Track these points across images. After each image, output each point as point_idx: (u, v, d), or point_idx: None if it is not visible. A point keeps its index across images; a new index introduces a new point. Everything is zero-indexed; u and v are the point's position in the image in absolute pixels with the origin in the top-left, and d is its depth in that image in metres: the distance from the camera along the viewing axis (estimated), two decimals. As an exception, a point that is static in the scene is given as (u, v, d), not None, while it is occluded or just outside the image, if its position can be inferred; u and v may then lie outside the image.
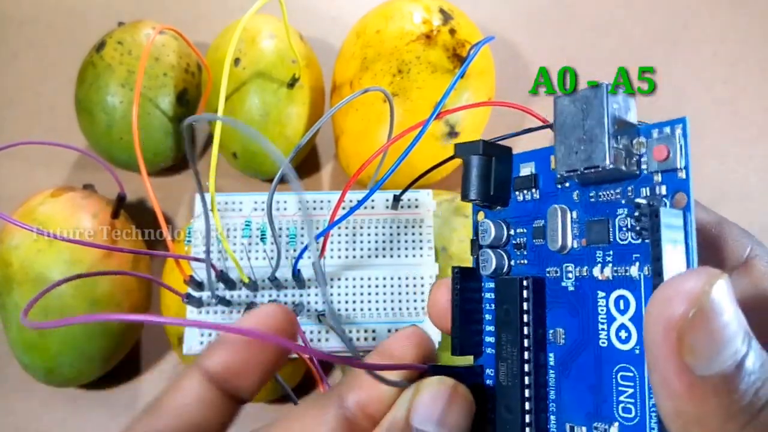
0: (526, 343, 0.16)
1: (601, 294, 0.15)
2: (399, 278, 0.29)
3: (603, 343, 0.15)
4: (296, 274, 0.27)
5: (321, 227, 0.29)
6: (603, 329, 0.15)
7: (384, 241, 0.29)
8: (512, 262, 0.18)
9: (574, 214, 0.16)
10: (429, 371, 0.17)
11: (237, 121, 0.23)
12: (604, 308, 0.15)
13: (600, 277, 0.15)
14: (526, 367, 0.16)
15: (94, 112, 0.37)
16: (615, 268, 0.15)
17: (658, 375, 0.12)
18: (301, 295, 0.28)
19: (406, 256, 0.29)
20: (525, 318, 0.16)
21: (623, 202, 0.15)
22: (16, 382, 0.37)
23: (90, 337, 0.33)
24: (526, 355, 0.16)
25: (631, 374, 0.14)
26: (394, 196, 0.29)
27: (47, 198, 0.34)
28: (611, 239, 0.15)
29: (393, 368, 0.16)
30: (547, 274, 0.17)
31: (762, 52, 0.44)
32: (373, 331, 0.28)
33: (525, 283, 0.16)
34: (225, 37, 0.38)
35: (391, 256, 0.29)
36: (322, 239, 0.26)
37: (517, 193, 0.18)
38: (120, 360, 0.36)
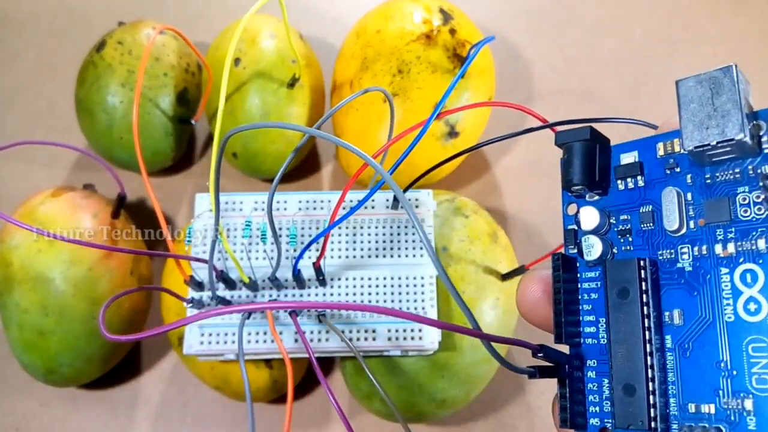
0: (647, 323, 0.16)
1: (724, 270, 0.16)
2: (399, 278, 0.29)
3: (729, 317, 0.15)
4: (296, 274, 0.27)
5: (321, 227, 0.29)
6: (728, 304, 0.15)
7: (384, 241, 0.29)
8: (615, 249, 0.18)
9: (689, 196, 0.17)
10: (539, 351, 0.17)
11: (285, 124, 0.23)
12: (728, 284, 0.16)
13: (722, 254, 0.16)
14: (649, 348, 0.16)
15: (95, 111, 0.37)
16: (739, 243, 0.16)
17: None
18: (301, 295, 0.28)
19: (406, 256, 0.29)
20: (645, 298, 0.16)
21: (744, 179, 0.16)
22: (16, 382, 0.37)
23: (90, 337, 0.33)
24: (648, 335, 0.16)
25: (764, 344, 0.15)
26: (395, 196, 0.29)
27: (47, 198, 0.34)
28: (732, 217, 0.16)
29: (506, 342, 0.17)
30: (660, 257, 0.17)
31: (762, 52, 0.44)
32: (374, 331, 0.28)
33: (642, 263, 0.17)
34: (225, 37, 0.38)
35: (391, 256, 0.29)
36: (322, 239, 0.26)
37: (618, 181, 0.18)
38: (120, 360, 0.36)
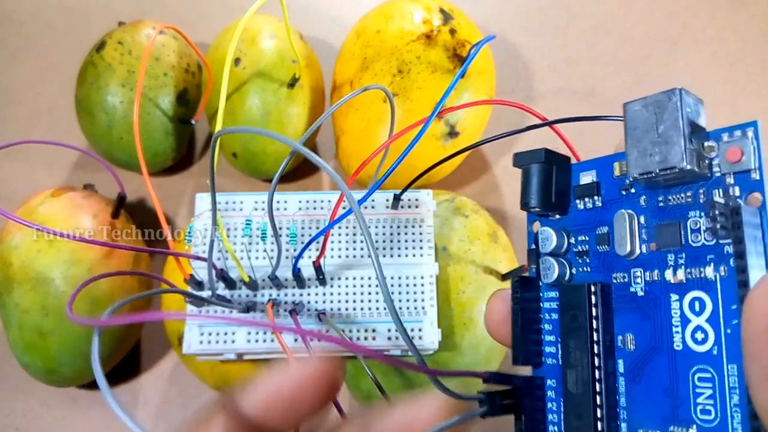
0: (596, 349, 0.16)
1: (674, 297, 0.15)
2: (399, 278, 0.29)
3: (677, 346, 0.15)
4: (296, 273, 0.27)
5: (321, 227, 0.29)
6: (677, 332, 0.15)
7: (384, 241, 0.29)
8: (574, 270, 0.18)
9: (642, 219, 0.16)
10: (489, 379, 0.17)
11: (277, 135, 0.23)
12: (678, 311, 0.15)
13: (672, 280, 0.16)
14: (597, 374, 0.16)
15: (95, 112, 0.37)
16: (688, 270, 0.15)
17: (759, 365, 0.12)
18: (301, 295, 0.28)
19: (407, 255, 0.29)
20: (594, 324, 0.16)
21: (695, 205, 0.15)
22: (16, 382, 0.37)
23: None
24: (596, 361, 0.16)
25: (710, 375, 0.15)
26: (395, 195, 0.29)
27: (47, 198, 0.34)
28: (683, 242, 0.15)
29: (453, 374, 0.17)
30: (614, 280, 0.17)
31: (762, 52, 0.44)
32: (374, 331, 0.28)
33: (593, 288, 0.16)
34: (225, 37, 0.38)
35: (392, 256, 0.29)
36: (322, 238, 0.26)
37: (577, 201, 0.18)
38: (120, 360, 0.36)
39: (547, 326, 0.18)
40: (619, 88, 0.44)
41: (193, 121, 0.39)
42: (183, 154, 0.41)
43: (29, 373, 0.34)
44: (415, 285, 0.28)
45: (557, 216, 0.18)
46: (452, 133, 0.35)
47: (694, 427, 0.15)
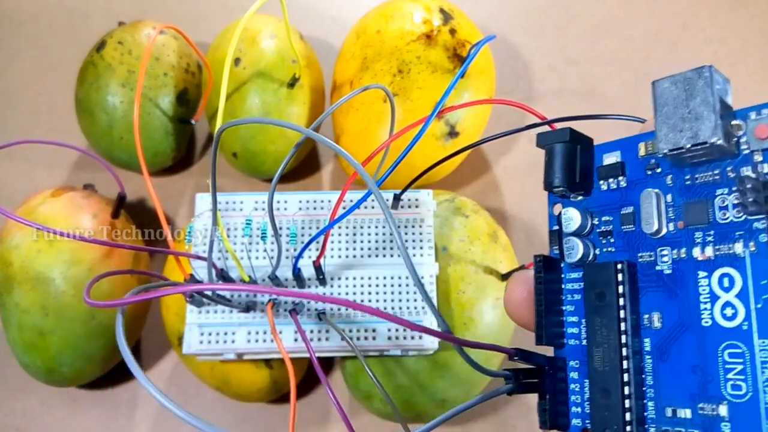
0: (623, 326, 0.16)
1: (702, 274, 0.16)
2: (399, 277, 0.29)
3: (706, 322, 0.15)
4: (296, 272, 0.27)
5: (322, 226, 0.29)
6: (706, 309, 0.15)
7: (384, 241, 0.29)
8: (597, 251, 0.18)
9: (669, 198, 0.16)
10: (515, 355, 0.17)
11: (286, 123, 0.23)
12: (706, 288, 0.15)
13: (700, 258, 0.16)
14: (625, 351, 0.16)
15: (95, 111, 0.37)
16: (717, 247, 0.15)
17: None
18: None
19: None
20: (621, 301, 0.16)
21: (723, 181, 0.15)
22: (16, 382, 0.37)
23: (90, 337, 0.33)
24: (623, 339, 0.16)
25: (740, 350, 0.15)
26: (395, 195, 0.29)
27: (47, 198, 0.34)
28: (711, 219, 0.16)
29: (483, 347, 0.17)
30: (639, 259, 0.17)
31: (762, 52, 0.44)
32: (374, 330, 0.28)
33: (619, 266, 0.16)
34: (225, 37, 0.38)
35: (391, 256, 0.29)
36: (322, 237, 0.26)
37: (601, 182, 0.18)
38: (120, 360, 0.36)
39: (569, 307, 0.18)
40: (619, 88, 0.44)
41: (193, 121, 0.39)
42: (183, 154, 0.41)
43: (29, 373, 0.34)
44: (415, 284, 0.28)
45: (579, 197, 0.18)
46: (452, 133, 0.35)
47: (725, 403, 0.15)
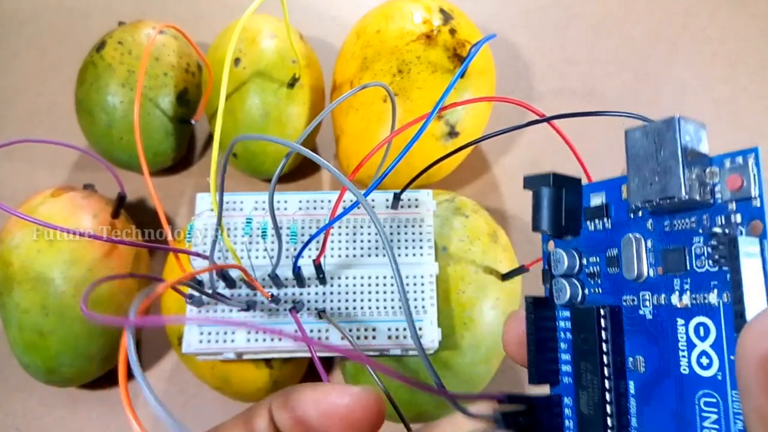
0: (606, 371, 0.16)
1: (680, 321, 0.16)
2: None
3: (684, 370, 0.15)
4: (297, 271, 0.27)
5: (322, 226, 0.29)
6: (684, 356, 0.15)
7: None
8: (586, 291, 0.18)
9: (649, 243, 0.16)
10: (505, 400, 0.17)
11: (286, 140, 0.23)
12: (684, 335, 0.15)
13: (678, 305, 0.16)
14: (608, 396, 0.16)
15: (95, 111, 0.37)
16: (693, 296, 0.15)
17: (752, 404, 0.12)
18: (300, 294, 0.28)
19: (407, 255, 0.29)
20: (604, 347, 0.16)
21: (699, 230, 0.15)
22: (16, 382, 0.37)
23: (90, 337, 0.33)
24: (606, 383, 0.16)
25: (714, 400, 0.15)
26: (395, 195, 0.29)
27: (47, 198, 0.34)
28: (688, 267, 0.15)
29: (470, 398, 0.17)
30: (624, 303, 0.17)
31: (762, 52, 0.44)
32: (374, 330, 0.28)
33: (602, 312, 0.16)
34: (225, 37, 0.38)
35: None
36: (322, 236, 0.26)
37: (588, 222, 0.18)
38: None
39: (562, 345, 0.18)
40: (619, 88, 0.44)
41: (193, 121, 0.39)
42: (183, 154, 0.41)
43: (29, 373, 0.34)
44: (415, 284, 0.28)
45: (569, 237, 0.18)
46: (452, 134, 0.35)
47: None
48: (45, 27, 0.47)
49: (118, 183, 0.35)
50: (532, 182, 0.18)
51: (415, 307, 0.28)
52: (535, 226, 0.18)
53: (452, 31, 0.35)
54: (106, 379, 0.36)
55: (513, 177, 0.42)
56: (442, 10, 0.36)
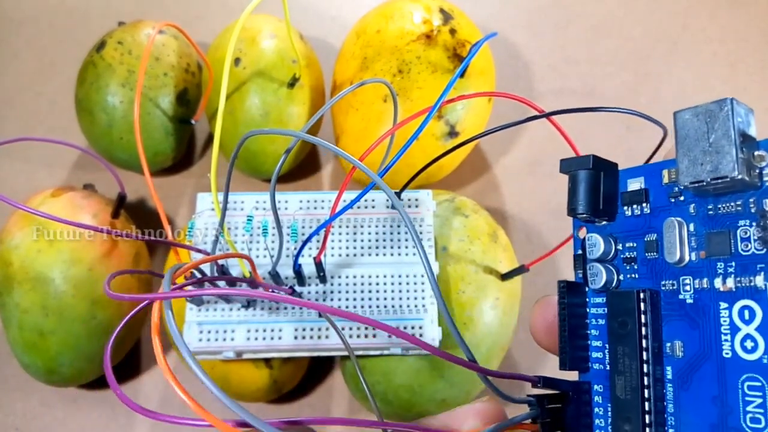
0: (645, 355, 0.16)
1: (723, 305, 0.15)
2: (399, 276, 0.29)
3: (727, 353, 0.15)
4: (297, 269, 0.27)
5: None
6: (726, 340, 0.15)
7: (384, 239, 0.29)
8: (621, 277, 0.18)
9: (691, 227, 0.16)
10: (539, 383, 0.17)
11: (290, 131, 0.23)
12: (727, 319, 0.15)
13: (722, 289, 0.16)
14: (646, 380, 0.16)
15: (95, 111, 0.37)
16: (738, 279, 0.15)
17: None
18: (301, 293, 0.28)
19: (407, 254, 0.29)
20: (643, 330, 0.16)
21: (746, 213, 0.15)
22: (16, 382, 0.37)
23: (90, 337, 0.33)
24: (645, 368, 0.16)
25: (759, 384, 0.14)
26: (395, 194, 0.29)
27: (47, 198, 0.34)
28: (733, 250, 0.15)
29: (504, 376, 0.17)
30: (662, 287, 0.17)
31: (762, 52, 0.44)
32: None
33: (642, 295, 0.16)
34: (225, 37, 0.38)
35: (392, 254, 0.29)
36: (322, 233, 0.26)
37: (625, 207, 0.18)
38: (120, 360, 0.36)
39: (593, 332, 0.18)
40: (619, 88, 0.44)
41: (193, 121, 0.39)
42: (183, 154, 0.41)
43: (29, 373, 0.34)
44: (415, 283, 0.28)
45: (604, 222, 0.18)
46: (452, 133, 0.35)
47: None
48: (45, 27, 0.47)
49: (118, 183, 0.35)
50: (569, 165, 0.18)
51: (416, 306, 0.28)
52: (571, 209, 0.18)
53: (452, 31, 0.35)
54: (106, 379, 0.36)
55: (513, 177, 0.42)
56: (442, 10, 0.36)
